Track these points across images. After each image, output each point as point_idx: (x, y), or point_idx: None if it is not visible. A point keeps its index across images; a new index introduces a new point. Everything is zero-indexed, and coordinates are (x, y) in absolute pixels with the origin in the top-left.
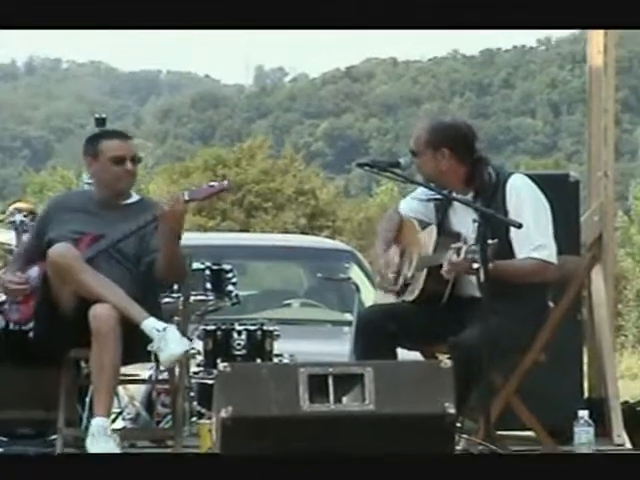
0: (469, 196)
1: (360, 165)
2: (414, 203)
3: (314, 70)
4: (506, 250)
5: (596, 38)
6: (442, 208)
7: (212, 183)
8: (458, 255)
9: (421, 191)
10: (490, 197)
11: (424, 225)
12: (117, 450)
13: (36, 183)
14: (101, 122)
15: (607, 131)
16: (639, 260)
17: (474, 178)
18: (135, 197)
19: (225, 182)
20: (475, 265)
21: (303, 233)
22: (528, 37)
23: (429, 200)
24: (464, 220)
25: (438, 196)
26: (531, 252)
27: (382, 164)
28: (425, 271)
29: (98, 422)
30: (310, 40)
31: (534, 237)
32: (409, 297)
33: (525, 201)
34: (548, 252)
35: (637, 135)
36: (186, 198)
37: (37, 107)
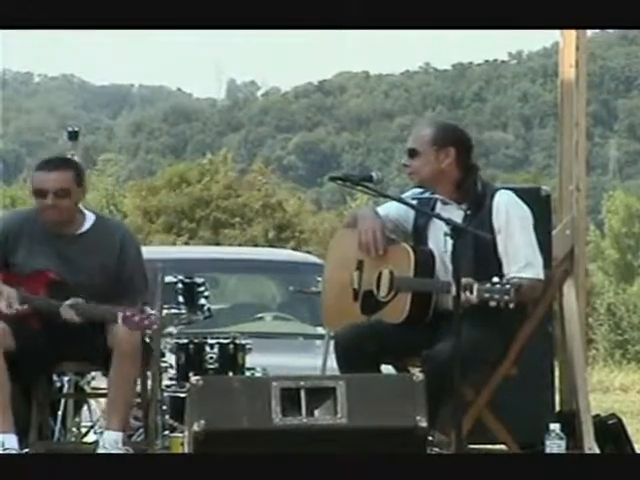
0: (454, 201)
1: (333, 179)
2: (395, 209)
3: (286, 84)
4: (494, 267)
5: (568, 52)
6: (423, 217)
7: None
8: (471, 292)
9: (416, 192)
10: (476, 207)
11: (394, 234)
12: None
13: (7, 196)
14: (74, 135)
15: (578, 145)
16: (611, 274)
17: (465, 184)
18: (90, 221)
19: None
20: (492, 304)
21: (271, 246)
22: (500, 51)
23: (415, 203)
24: (440, 233)
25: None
26: (520, 270)
27: (355, 178)
28: (409, 296)
29: (111, 436)
30: (282, 54)
31: (523, 256)
32: (392, 320)
33: (514, 218)
34: (536, 270)
35: (608, 149)
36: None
37: (8, 121)
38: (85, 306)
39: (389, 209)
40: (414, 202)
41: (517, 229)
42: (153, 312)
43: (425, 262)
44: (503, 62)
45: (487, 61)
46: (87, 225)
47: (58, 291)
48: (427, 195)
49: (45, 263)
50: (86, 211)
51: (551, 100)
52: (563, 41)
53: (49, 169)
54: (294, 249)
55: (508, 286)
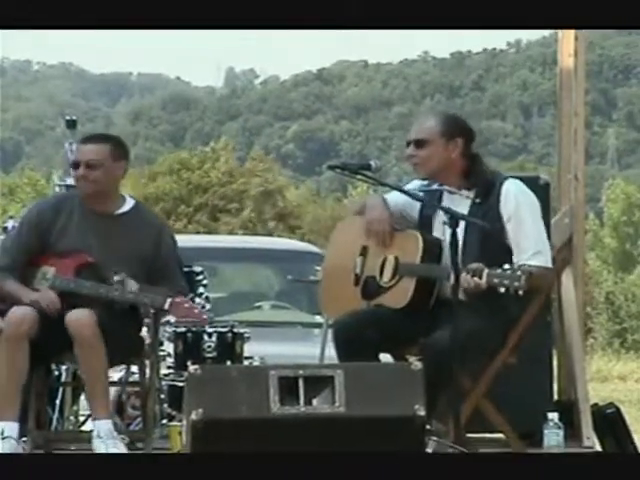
0: (465, 193)
1: (331, 167)
2: (402, 198)
3: (285, 72)
4: (502, 255)
5: (567, 41)
6: (429, 208)
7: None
8: (480, 278)
9: (418, 184)
10: (484, 196)
11: (400, 223)
12: (125, 451)
13: (6, 185)
14: (71, 124)
15: (577, 134)
16: (610, 263)
17: (472, 174)
18: (130, 204)
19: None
20: (502, 289)
21: (269, 234)
22: (498, 40)
23: (421, 195)
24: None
25: (431, 190)
26: (530, 258)
27: (353, 167)
28: (414, 281)
29: (102, 424)
30: (281, 42)
31: (532, 244)
32: (394, 305)
33: (523, 206)
34: (545, 258)
35: (607, 138)
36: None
37: (7, 109)
38: (130, 286)
39: (396, 198)
40: (420, 193)
41: (527, 217)
42: (202, 305)
43: (432, 249)
44: (502, 51)
45: (486, 50)
46: (127, 207)
47: (90, 273)
48: (435, 187)
49: (81, 240)
50: (126, 196)
51: (550, 89)
52: (562, 30)
53: (85, 142)
54: (289, 237)
55: (519, 272)
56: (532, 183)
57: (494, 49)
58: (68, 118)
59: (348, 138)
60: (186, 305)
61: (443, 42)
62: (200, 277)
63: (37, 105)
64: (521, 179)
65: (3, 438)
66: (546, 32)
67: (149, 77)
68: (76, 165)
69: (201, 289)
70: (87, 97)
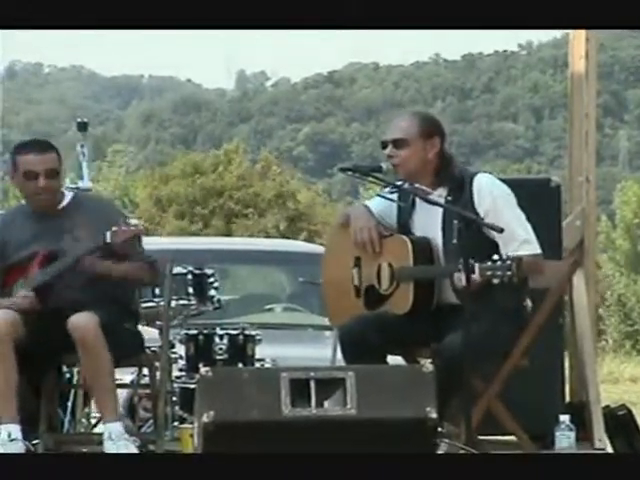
0: (438, 192)
1: (343, 170)
2: (382, 203)
3: (296, 74)
4: (486, 247)
5: (578, 43)
6: (406, 210)
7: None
8: (473, 272)
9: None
10: (455, 193)
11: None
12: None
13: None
14: (83, 126)
15: (588, 136)
16: (622, 265)
17: (444, 171)
18: (69, 197)
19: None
20: (495, 281)
21: (284, 237)
22: (510, 42)
23: (397, 199)
24: (428, 222)
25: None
26: (518, 249)
27: (364, 169)
28: (412, 285)
29: (113, 427)
30: (292, 44)
31: (517, 233)
32: (398, 310)
33: (499, 199)
34: (534, 245)
35: (618, 140)
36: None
37: (18, 112)
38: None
39: (374, 206)
40: (394, 194)
41: (505, 209)
42: (135, 222)
43: (423, 250)
44: (513, 53)
45: (497, 52)
46: (67, 200)
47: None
48: (415, 186)
49: (35, 243)
50: (64, 191)
51: (561, 91)
52: (573, 32)
53: (39, 152)
54: (307, 240)
55: (509, 262)
56: (543, 185)
57: (505, 51)
58: (79, 121)
59: (359, 140)
60: (123, 228)
61: (454, 44)
62: (211, 279)
63: (48, 108)
64: (532, 181)
65: (11, 440)
66: (557, 34)
67: (160, 80)
68: (33, 176)
69: (212, 291)
70: (98, 100)
